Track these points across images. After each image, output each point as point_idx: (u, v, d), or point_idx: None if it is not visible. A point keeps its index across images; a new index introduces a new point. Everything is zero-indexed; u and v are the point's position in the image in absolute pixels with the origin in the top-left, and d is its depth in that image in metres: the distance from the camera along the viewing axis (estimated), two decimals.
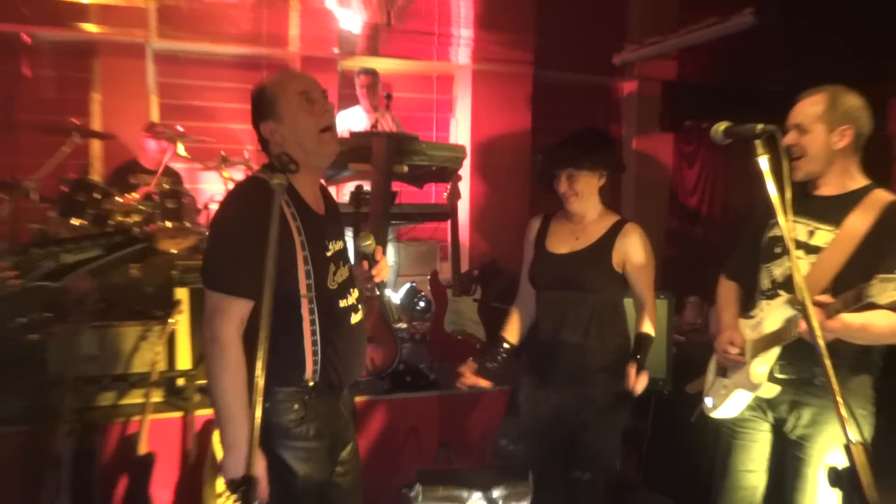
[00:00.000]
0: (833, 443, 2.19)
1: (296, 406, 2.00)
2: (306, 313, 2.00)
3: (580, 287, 2.67)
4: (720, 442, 2.53)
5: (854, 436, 1.52)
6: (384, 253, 4.43)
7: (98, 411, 3.40)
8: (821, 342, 1.61)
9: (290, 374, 2.00)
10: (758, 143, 1.76)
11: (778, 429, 2.39)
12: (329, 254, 2.08)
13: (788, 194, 1.74)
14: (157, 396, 3.61)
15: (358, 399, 3.81)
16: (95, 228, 4.17)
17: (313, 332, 2.01)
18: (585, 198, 2.71)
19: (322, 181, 2.32)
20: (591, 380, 2.65)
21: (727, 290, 2.60)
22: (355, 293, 2.17)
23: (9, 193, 4.48)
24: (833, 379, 1.55)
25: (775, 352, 2.28)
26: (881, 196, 2.22)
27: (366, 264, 2.26)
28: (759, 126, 1.78)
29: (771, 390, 2.32)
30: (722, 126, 1.95)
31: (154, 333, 3.63)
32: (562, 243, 2.77)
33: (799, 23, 4.92)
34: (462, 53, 6.46)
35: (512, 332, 2.92)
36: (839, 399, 1.56)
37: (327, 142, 2.07)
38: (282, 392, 1.99)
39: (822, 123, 2.23)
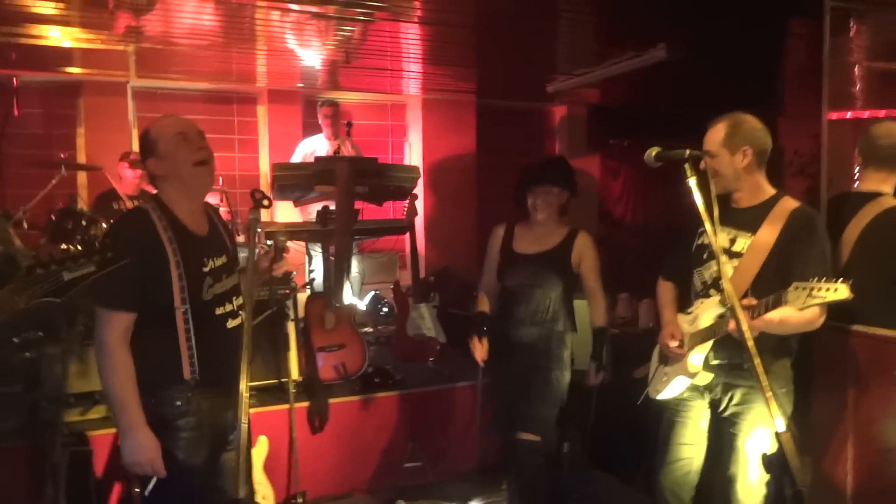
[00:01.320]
0: (760, 419, 2.27)
1: (178, 402, 2.07)
2: (181, 322, 2.06)
3: (545, 283, 2.94)
4: (662, 420, 2.58)
5: (782, 424, 1.51)
6: (349, 265, 4.35)
7: (90, 424, 3.25)
8: (749, 340, 1.59)
9: (171, 373, 2.08)
10: (686, 165, 1.74)
11: (713, 408, 2.44)
12: (206, 269, 2.13)
13: (716, 210, 1.73)
14: None
15: (332, 400, 3.72)
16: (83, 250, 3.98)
17: (188, 338, 2.07)
18: (552, 211, 2.99)
19: (210, 205, 2.34)
20: (545, 357, 2.96)
21: (665, 291, 2.67)
22: (237, 301, 2.22)
23: (1, 223, 4.27)
24: (762, 375, 1.54)
25: (709, 344, 2.35)
26: (787, 205, 2.30)
27: (273, 253, 2.34)
28: (687, 151, 1.77)
29: (705, 378, 2.39)
30: (654, 151, 1.96)
31: None
32: (528, 246, 3.03)
33: (703, 55, 5.02)
34: (412, 85, 6.41)
35: (487, 309, 3.17)
36: (768, 394, 1.54)
37: (201, 174, 2.14)
38: (165, 389, 2.08)
39: (725, 147, 2.30)
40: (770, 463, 1.51)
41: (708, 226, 1.78)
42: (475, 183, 6.99)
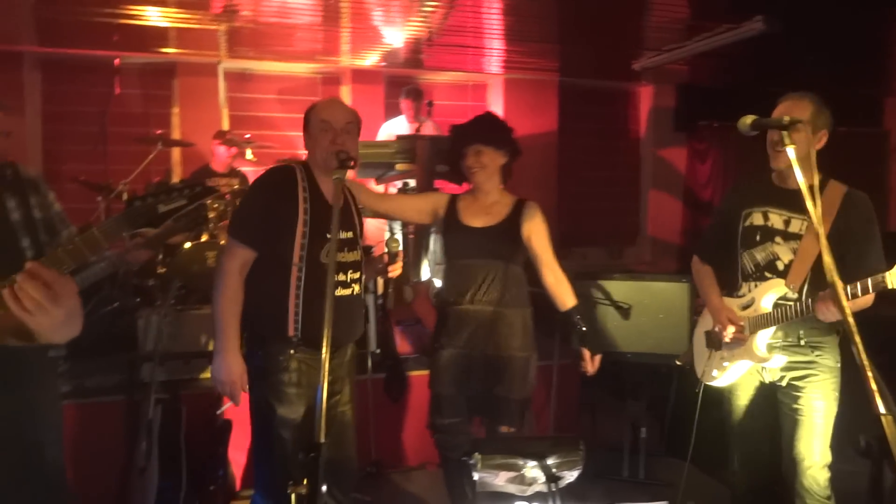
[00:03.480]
0: (819, 392, 2.31)
1: (280, 357, 2.18)
2: (294, 279, 2.17)
3: (496, 256, 2.65)
4: (727, 405, 2.57)
5: (883, 406, 1.41)
6: (428, 243, 4.37)
7: (182, 383, 3.42)
8: (853, 326, 1.49)
9: (278, 328, 2.18)
10: (784, 134, 1.64)
11: (772, 386, 2.44)
12: (328, 235, 2.17)
13: (816, 181, 1.62)
14: None
15: (409, 373, 3.77)
16: (176, 224, 4.19)
17: (297, 296, 2.17)
18: (489, 173, 2.68)
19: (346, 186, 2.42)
20: (505, 340, 2.64)
21: (706, 274, 2.61)
22: (352, 275, 2.30)
23: (104, 196, 4.55)
24: (864, 356, 1.44)
25: (772, 329, 2.35)
26: (838, 187, 2.31)
27: (386, 258, 2.44)
28: (787, 117, 1.66)
29: (779, 360, 2.36)
30: (749, 119, 1.87)
31: None
32: (475, 219, 2.71)
33: (804, 29, 4.73)
34: (494, 63, 6.35)
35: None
36: (869, 374, 1.44)
37: (331, 160, 2.18)
38: (271, 343, 2.20)
39: (809, 124, 2.19)
40: (869, 448, 1.41)
41: (808, 200, 1.67)
42: (556, 165, 6.89)
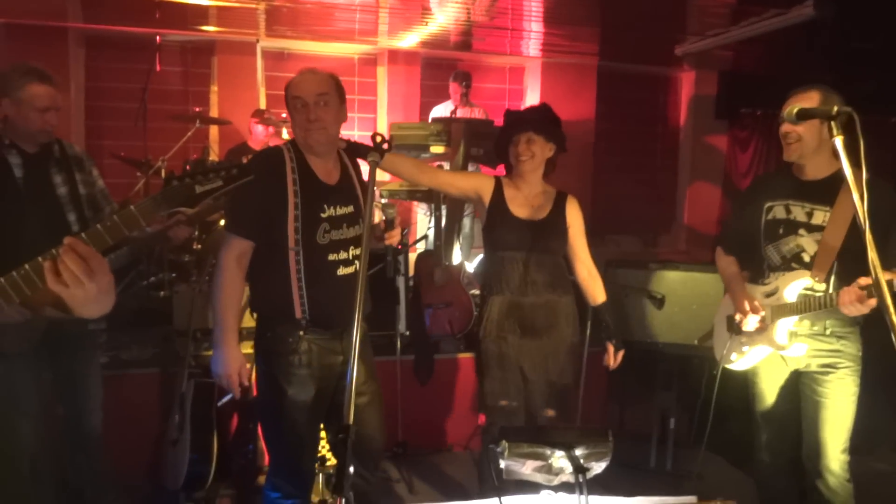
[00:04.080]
0: (843, 379, 2.37)
1: (289, 339, 2.19)
2: (293, 262, 2.16)
3: (546, 250, 2.66)
4: (751, 389, 2.62)
5: None
6: (461, 226, 4.32)
7: None
8: (893, 315, 1.45)
9: (285, 311, 2.19)
10: (833, 124, 1.58)
11: (796, 372, 2.49)
12: (324, 215, 2.21)
13: (865, 174, 1.56)
14: (248, 348, 3.66)
15: (437, 356, 3.79)
16: (212, 202, 4.25)
17: (299, 279, 2.17)
18: (537, 163, 2.66)
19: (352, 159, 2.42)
20: (559, 328, 2.67)
21: (730, 263, 2.66)
22: (354, 251, 2.28)
23: (143, 171, 4.64)
24: None
25: (794, 318, 2.39)
26: (857, 175, 2.20)
27: (383, 225, 2.38)
28: (835, 108, 1.60)
29: (800, 349, 2.41)
30: (796, 108, 1.82)
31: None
32: (521, 209, 2.68)
33: (856, 15, 4.55)
34: (532, 46, 6.26)
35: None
36: None
37: (310, 140, 2.22)
38: (279, 325, 2.21)
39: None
40: None
41: (855, 192, 1.61)
42: (592, 151, 6.79)
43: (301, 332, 2.20)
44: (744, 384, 2.67)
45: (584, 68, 6.61)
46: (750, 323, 2.46)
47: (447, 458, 3.78)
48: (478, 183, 2.74)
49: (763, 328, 2.45)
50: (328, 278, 2.22)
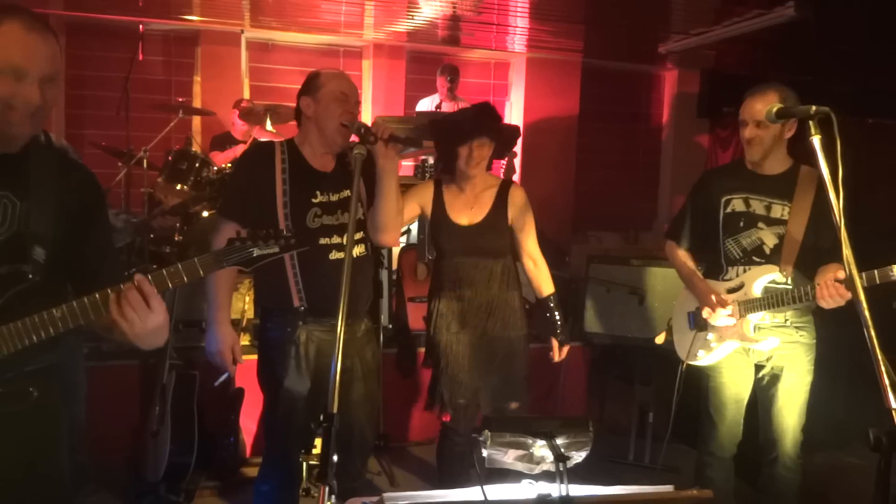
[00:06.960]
0: (799, 367, 2.46)
1: (288, 328, 2.22)
2: None
3: (486, 253, 2.65)
4: (707, 382, 2.64)
5: (894, 402, 1.40)
6: None
7: (196, 351, 3.46)
8: (866, 311, 1.48)
9: (283, 300, 2.22)
10: (811, 123, 1.61)
11: (756, 366, 2.54)
12: (316, 200, 2.24)
13: (841, 173, 1.59)
14: (245, 340, 3.65)
15: (420, 350, 3.79)
16: (194, 192, 4.23)
17: (293, 264, 2.19)
18: (483, 166, 2.65)
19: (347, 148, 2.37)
20: (505, 325, 2.65)
21: (686, 258, 2.67)
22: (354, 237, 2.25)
23: (124, 162, 4.59)
24: (878, 349, 1.43)
25: (762, 312, 2.42)
26: (811, 172, 2.38)
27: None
28: (813, 108, 1.63)
29: (772, 342, 2.44)
30: (775, 107, 1.85)
31: (243, 286, 3.66)
32: (461, 215, 2.66)
33: (838, 15, 4.62)
34: (517, 41, 6.29)
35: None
36: (882, 368, 1.43)
37: (341, 134, 2.22)
38: (278, 314, 2.25)
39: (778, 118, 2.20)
40: (878, 442, 1.40)
41: (832, 192, 1.63)
42: (575, 147, 6.83)
43: (300, 322, 2.21)
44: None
45: (568, 65, 6.64)
46: (720, 318, 2.47)
47: (429, 450, 3.79)
48: (418, 199, 2.71)
49: (732, 323, 2.47)
50: (321, 263, 2.22)
